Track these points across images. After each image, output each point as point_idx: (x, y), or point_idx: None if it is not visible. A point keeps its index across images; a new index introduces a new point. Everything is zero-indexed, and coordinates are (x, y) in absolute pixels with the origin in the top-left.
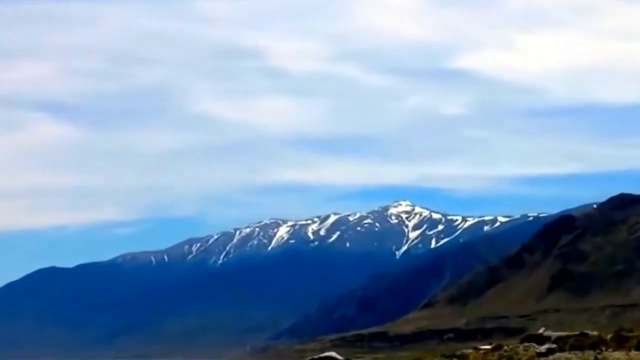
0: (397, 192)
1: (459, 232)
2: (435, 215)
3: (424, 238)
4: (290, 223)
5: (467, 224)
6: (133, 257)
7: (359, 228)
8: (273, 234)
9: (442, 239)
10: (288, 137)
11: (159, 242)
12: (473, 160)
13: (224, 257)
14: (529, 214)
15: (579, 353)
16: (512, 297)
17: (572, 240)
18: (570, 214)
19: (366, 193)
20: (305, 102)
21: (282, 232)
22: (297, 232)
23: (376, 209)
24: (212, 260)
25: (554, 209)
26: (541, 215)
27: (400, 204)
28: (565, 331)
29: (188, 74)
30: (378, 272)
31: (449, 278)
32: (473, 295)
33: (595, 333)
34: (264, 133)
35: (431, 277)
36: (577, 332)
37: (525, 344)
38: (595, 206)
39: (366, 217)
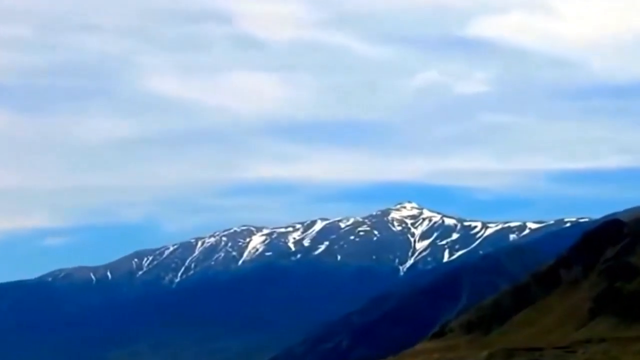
0: (401, 192)
1: (478, 241)
2: (449, 221)
3: (434, 250)
4: (266, 231)
5: (489, 231)
6: (67, 274)
7: (352, 237)
8: (245, 245)
9: (458, 250)
10: (264, 123)
11: (101, 256)
12: (496, 152)
13: (182, 275)
14: (567, 219)
15: None
16: (545, 324)
17: (620, 252)
18: (618, 219)
19: (362, 193)
20: (287, 80)
21: (257, 242)
22: (275, 242)
23: (374, 213)
24: (167, 279)
25: (597, 213)
26: (581, 220)
27: (405, 207)
28: None
29: (139, 43)
30: (377, 293)
31: (467, 300)
32: (497, 322)
33: None
34: (234, 119)
35: (444, 299)
36: None
37: None
38: None
39: (362, 224)
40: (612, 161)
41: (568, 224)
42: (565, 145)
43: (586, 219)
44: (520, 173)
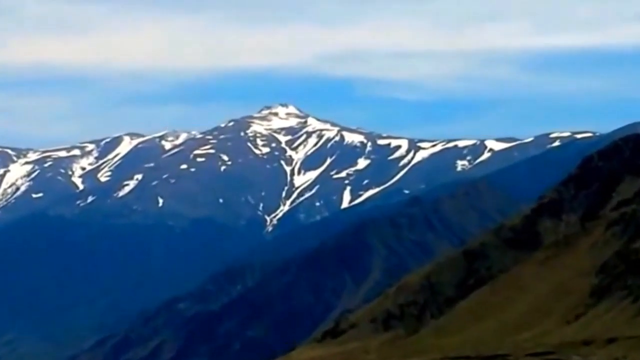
0: (271, 87)
1: (402, 174)
2: (352, 138)
3: (326, 188)
4: (33, 156)
5: (420, 156)
6: None
7: (184, 167)
8: None
9: (367, 189)
10: None
11: None
12: (433, 19)
13: None
14: (554, 135)
15: None
16: (514, 315)
17: None
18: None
19: (202, 88)
20: None
21: (17, 175)
22: (50, 175)
23: (223, 124)
24: None
25: (606, 124)
26: (580, 136)
27: (277, 113)
28: None
29: None
30: (226, 264)
31: (380, 274)
32: (432, 311)
33: None
34: None
35: (341, 273)
36: None
37: None
38: None
39: (201, 143)
40: (629, 33)
41: (556, 143)
42: (553, 7)
43: (588, 135)
44: (473, 54)
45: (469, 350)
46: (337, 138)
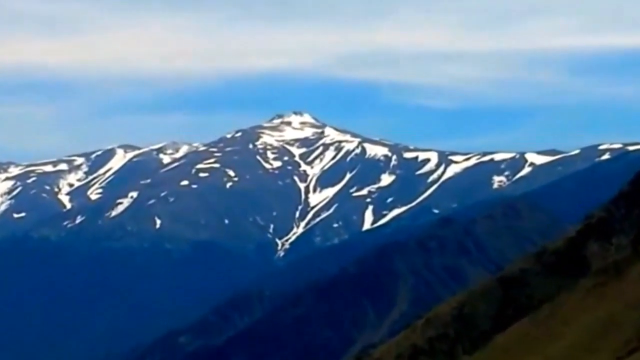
0: (284, 92)
1: (432, 190)
2: (376, 150)
3: (345, 207)
4: (15, 170)
5: (453, 171)
6: None
7: (185, 183)
8: None
9: (392, 208)
10: None
11: None
12: (468, 16)
13: None
14: (603, 147)
15: None
16: (558, 350)
17: None
18: None
19: (206, 94)
20: None
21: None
22: (34, 191)
23: (229, 135)
24: None
25: None
26: (632, 148)
27: (290, 122)
28: None
29: None
30: (232, 293)
31: (407, 304)
32: (466, 345)
33: None
34: None
35: (363, 304)
36: None
37: None
38: None
39: (204, 156)
40: None
41: (606, 156)
42: (604, 1)
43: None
44: (512, 56)
45: None
46: (357, 150)
